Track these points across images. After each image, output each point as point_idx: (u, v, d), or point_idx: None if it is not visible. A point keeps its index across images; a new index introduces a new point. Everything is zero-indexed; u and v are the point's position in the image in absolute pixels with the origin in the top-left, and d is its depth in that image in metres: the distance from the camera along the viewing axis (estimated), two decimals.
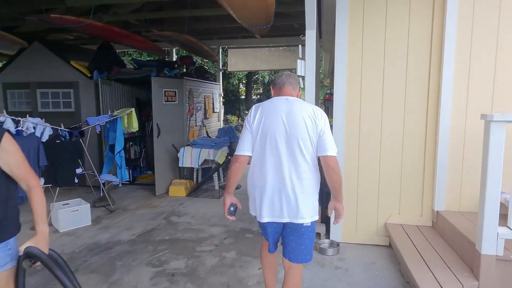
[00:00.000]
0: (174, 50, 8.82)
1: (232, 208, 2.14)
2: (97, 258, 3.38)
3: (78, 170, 4.50)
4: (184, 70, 6.86)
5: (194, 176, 5.97)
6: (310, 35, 3.17)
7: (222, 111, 8.87)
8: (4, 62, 6.45)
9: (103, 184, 4.91)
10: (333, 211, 2.13)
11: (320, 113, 2.01)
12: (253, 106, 2.11)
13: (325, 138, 1.96)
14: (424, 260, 2.81)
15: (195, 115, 6.70)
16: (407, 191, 3.51)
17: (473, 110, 3.24)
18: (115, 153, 4.80)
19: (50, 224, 4.20)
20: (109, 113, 4.97)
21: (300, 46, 3.46)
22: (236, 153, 2.08)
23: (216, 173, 5.80)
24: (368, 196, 3.59)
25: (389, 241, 3.56)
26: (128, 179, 5.09)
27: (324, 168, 1.99)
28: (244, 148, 2.06)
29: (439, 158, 3.32)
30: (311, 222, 2.06)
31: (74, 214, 4.18)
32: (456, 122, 3.27)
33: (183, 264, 3.25)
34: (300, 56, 3.36)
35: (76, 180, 4.44)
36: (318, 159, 2.04)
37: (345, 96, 3.50)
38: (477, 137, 3.22)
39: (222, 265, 3.24)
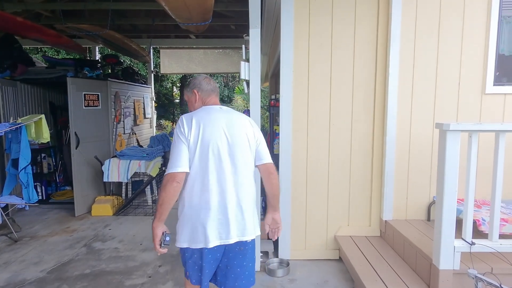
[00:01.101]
0: (97, 48, 7.85)
1: (168, 238, 1.77)
2: None
3: None
4: (109, 70, 6.08)
5: (123, 191, 5.26)
6: (255, 34, 2.85)
7: (155, 116, 8.16)
8: None
9: (3, 208, 3.99)
10: (268, 225, 1.99)
11: (254, 122, 1.99)
12: (184, 116, 1.84)
13: (263, 147, 1.94)
14: (379, 276, 2.65)
15: (123, 121, 5.96)
16: (355, 201, 3.38)
17: (417, 118, 3.22)
18: (19, 170, 3.93)
19: None
20: (11, 121, 4.07)
21: (243, 46, 3.12)
22: (170, 170, 1.71)
23: (148, 186, 5.18)
24: (317, 208, 3.38)
25: (339, 254, 3.39)
26: (37, 200, 4.22)
27: (265, 176, 1.94)
28: (181, 164, 1.73)
29: (386, 167, 3.24)
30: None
31: None
32: (402, 131, 3.22)
33: None
34: (244, 57, 3.02)
35: None
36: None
37: (292, 103, 3.25)
38: (422, 146, 3.23)
39: None
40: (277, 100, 3.36)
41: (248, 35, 2.88)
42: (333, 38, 3.21)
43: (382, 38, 3.21)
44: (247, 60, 2.98)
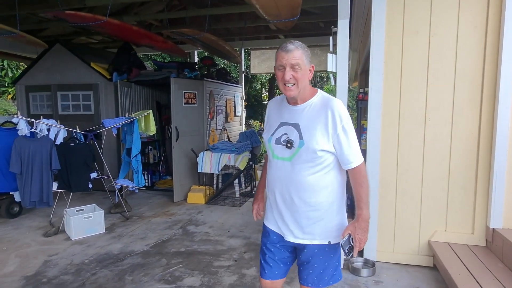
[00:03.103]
0: (195, 52, 8.63)
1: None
2: (107, 272, 3.11)
3: (93, 175, 4.30)
4: (205, 71, 6.61)
5: (214, 182, 5.67)
6: (343, 25, 2.79)
7: (244, 115, 8.56)
8: (27, 65, 6.44)
9: (119, 189, 4.70)
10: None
11: None
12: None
13: None
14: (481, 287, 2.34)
15: (216, 118, 6.42)
16: (455, 204, 3.03)
17: None
18: (131, 157, 4.57)
19: (63, 231, 4.01)
20: (126, 115, 4.76)
21: (331, 38, 3.08)
22: (362, 159, 1.62)
23: (237, 179, 5.48)
24: (408, 209, 3.14)
25: (433, 262, 3.08)
26: (144, 185, 4.85)
27: None
28: None
29: (495, 165, 2.82)
30: None
31: (87, 221, 3.96)
32: None
33: (198, 282, 2.92)
34: (331, 49, 2.98)
35: (90, 185, 4.24)
36: None
37: (382, 95, 3.08)
38: None
39: (241, 284, 2.88)
40: (366, 93, 3.22)
41: (336, 26, 2.83)
42: (432, 24, 2.94)
43: (494, 22, 2.81)
44: (335, 52, 2.93)
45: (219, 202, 5.32)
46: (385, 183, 3.15)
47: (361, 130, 3.47)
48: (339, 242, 1.63)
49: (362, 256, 3.21)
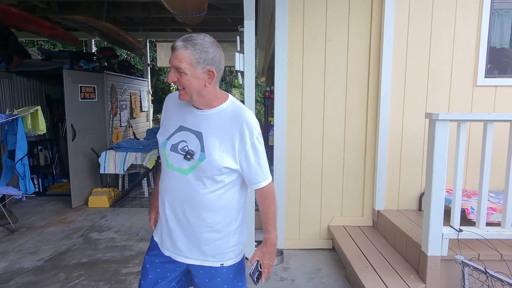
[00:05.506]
0: (93, 41, 7.83)
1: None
2: None
3: None
4: (105, 63, 6.07)
5: (120, 183, 5.29)
6: (249, 25, 2.87)
7: (152, 110, 8.17)
8: None
9: (0, 198, 4.02)
10: None
11: None
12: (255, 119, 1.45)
13: None
14: (370, 263, 2.71)
15: (120, 114, 5.99)
16: (349, 192, 3.44)
17: (409, 110, 3.26)
18: (16, 161, 3.94)
19: None
20: (7, 113, 4.08)
21: (238, 38, 3.14)
22: (270, 177, 1.46)
23: (145, 178, 5.21)
24: (310, 199, 3.44)
25: (332, 244, 3.45)
26: (34, 191, 4.24)
27: None
28: None
29: (379, 158, 3.29)
30: None
31: None
32: (395, 123, 3.27)
33: None
34: (239, 49, 3.04)
35: None
36: None
37: (286, 94, 3.29)
38: (414, 137, 3.27)
39: None
40: (272, 91, 3.39)
41: (243, 26, 2.90)
42: (327, 30, 3.24)
43: (376, 31, 3.24)
44: (242, 51, 3.00)
45: (126, 204, 4.99)
46: (291, 176, 3.39)
47: (268, 127, 3.64)
48: (234, 264, 1.47)
49: None
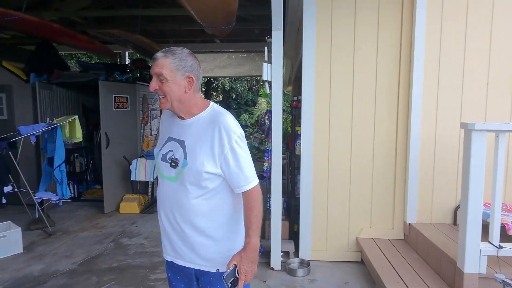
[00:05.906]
0: (126, 53, 8.19)
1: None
2: None
3: (7, 188, 3.83)
4: (138, 74, 6.31)
5: (149, 190, 5.43)
6: (277, 36, 2.90)
7: None
8: None
9: (39, 203, 4.24)
10: None
11: None
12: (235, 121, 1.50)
13: None
14: (401, 278, 2.61)
15: (150, 123, 6.17)
16: (378, 204, 3.34)
17: (443, 119, 3.15)
18: (54, 167, 4.17)
19: None
20: (47, 121, 4.33)
21: (266, 48, 3.17)
22: (257, 180, 1.47)
23: None
24: (338, 210, 3.37)
25: (360, 257, 3.35)
26: (70, 197, 4.45)
27: None
28: None
29: (410, 168, 3.18)
30: None
31: (1, 241, 3.51)
32: (427, 133, 3.17)
33: None
34: (266, 59, 3.08)
35: (4, 200, 3.78)
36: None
37: (314, 104, 3.27)
38: (448, 148, 3.15)
39: None
40: (299, 101, 3.39)
41: (270, 37, 2.93)
42: (356, 40, 3.21)
43: (406, 40, 3.18)
44: (269, 61, 3.03)
45: (154, 210, 5.11)
46: (318, 186, 3.34)
47: (295, 136, 3.63)
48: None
49: (298, 257, 3.36)
